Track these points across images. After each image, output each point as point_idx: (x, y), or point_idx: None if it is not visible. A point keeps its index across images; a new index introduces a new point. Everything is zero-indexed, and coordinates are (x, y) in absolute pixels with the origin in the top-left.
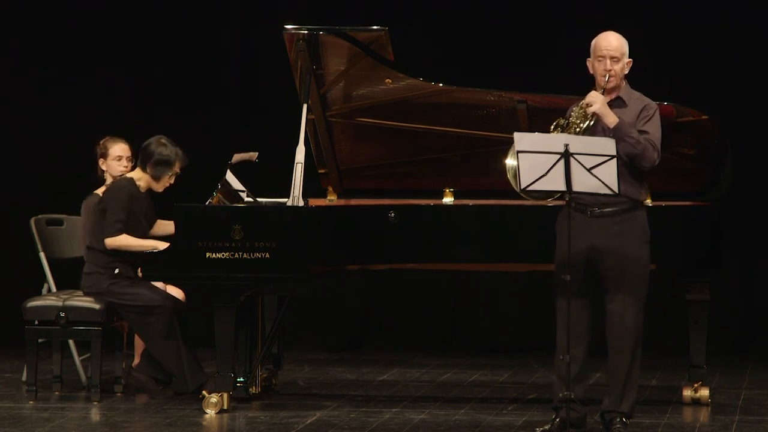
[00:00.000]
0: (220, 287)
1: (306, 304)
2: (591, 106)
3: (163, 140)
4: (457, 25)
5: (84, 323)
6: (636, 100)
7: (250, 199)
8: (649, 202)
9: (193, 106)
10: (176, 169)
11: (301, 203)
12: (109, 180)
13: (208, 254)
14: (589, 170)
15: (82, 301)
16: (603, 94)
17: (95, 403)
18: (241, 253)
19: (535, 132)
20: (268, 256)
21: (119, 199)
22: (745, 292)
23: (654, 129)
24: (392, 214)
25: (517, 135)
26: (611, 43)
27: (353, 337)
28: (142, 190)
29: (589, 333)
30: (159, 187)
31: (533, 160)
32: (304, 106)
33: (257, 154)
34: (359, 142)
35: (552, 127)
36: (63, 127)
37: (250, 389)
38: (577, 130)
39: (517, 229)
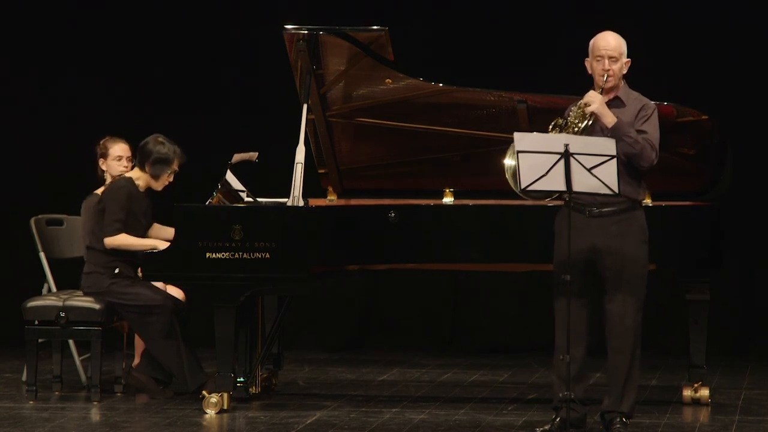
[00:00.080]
0: (220, 287)
1: (306, 304)
2: (589, 105)
3: (160, 139)
4: (457, 25)
5: (84, 323)
6: (634, 100)
7: (250, 199)
8: (649, 201)
9: (193, 106)
10: (175, 167)
11: (301, 203)
12: (109, 180)
13: (208, 254)
14: (589, 170)
15: (82, 301)
16: (601, 93)
17: (95, 403)
18: (241, 253)
19: (534, 132)
20: (268, 256)
21: (118, 198)
22: (745, 292)
23: (652, 129)
24: (392, 214)
25: (517, 135)
26: (609, 42)
27: (353, 337)
28: (141, 190)
29: (588, 333)
30: (158, 186)
31: (533, 160)
32: (304, 106)
33: (257, 154)
34: (359, 142)
35: (550, 126)
36: (63, 127)
37: (250, 389)
38: (576, 129)
39: (517, 229)
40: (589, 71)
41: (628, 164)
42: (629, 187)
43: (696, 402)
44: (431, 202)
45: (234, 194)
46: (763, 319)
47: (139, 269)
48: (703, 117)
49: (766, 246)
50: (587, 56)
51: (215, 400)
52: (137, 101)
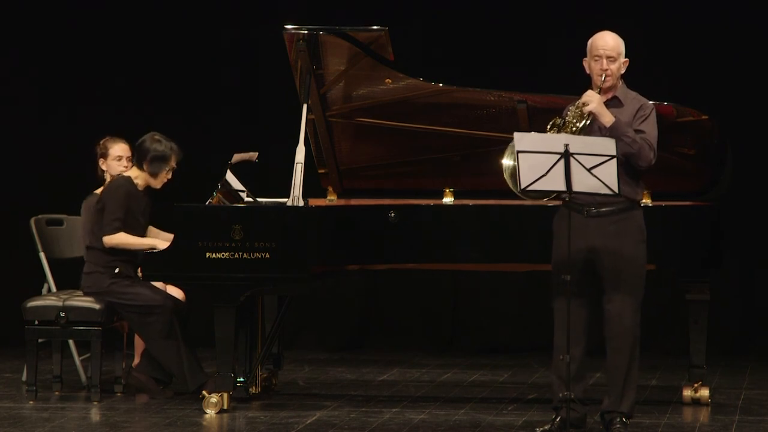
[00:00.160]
0: (220, 287)
1: (306, 304)
2: (587, 105)
3: (156, 136)
4: (456, 25)
5: (84, 323)
6: (632, 99)
7: (250, 199)
8: (648, 201)
9: (193, 106)
10: (173, 163)
11: (301, 203)
12: (108, 180)
13: (208, 254)
14: (589, 170)
15: (82, 301)
16: (599, 93)
17: (95, 403)
18: (241, 253)
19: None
20: (268, 256)
21: (117, 197)
22: (745, 292)
23: (650, 128)
24: (392, 214)
25: (517, 135)
26: (607, 42)
27: (353, 337)
28: (140, 188)
29: (586, 332)
30: (157, 184)
31: (533, 160)
32: (304, 106)
33: (257, 154)
34: (359, 142)
35: (548, 126)
36: (63, 127)
37: (250, 389)
38: (574, 129)
39: (517, 229)
40: (587, 71)
41: (626, 164)
42: (627, 187)
43: (696, 402)
44: (431, 202)
45: (234, 194)
46: (763, 319)
47: (139, 269)
48: (703, 117)
49: (766, 246)
50: (586, 56)
51: (215, 400)
52: (137, 101)
